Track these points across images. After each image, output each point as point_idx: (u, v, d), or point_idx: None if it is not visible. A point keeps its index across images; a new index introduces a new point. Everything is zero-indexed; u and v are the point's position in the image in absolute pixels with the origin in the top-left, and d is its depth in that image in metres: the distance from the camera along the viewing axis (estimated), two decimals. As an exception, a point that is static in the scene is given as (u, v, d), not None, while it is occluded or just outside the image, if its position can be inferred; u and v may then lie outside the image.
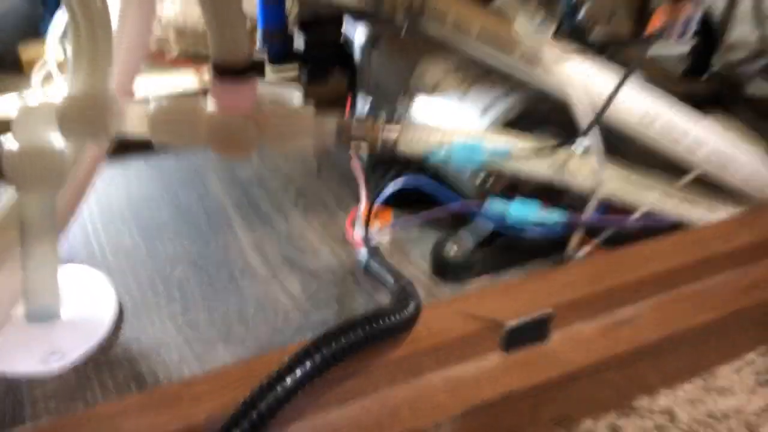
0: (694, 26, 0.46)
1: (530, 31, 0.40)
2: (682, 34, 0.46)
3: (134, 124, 0.46)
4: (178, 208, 0.62)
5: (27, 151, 0.45)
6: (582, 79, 0.44)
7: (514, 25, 0.41)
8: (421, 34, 0.50)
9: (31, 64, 0.80)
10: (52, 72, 0.75)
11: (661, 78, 0.72)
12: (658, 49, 0.85)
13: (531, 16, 0.40)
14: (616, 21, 0.63)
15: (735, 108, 0.68)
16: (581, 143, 0.47)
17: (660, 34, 0.45)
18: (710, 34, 0.69)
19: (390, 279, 0.44)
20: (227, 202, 0.62)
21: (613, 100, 0.43)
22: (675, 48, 0.85)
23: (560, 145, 0.46)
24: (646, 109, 0.43)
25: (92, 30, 0.45)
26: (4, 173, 0.45)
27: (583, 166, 0.48)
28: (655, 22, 0.45)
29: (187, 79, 0.75)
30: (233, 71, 0.44)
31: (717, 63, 0.77)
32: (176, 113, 0.45)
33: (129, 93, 0.53)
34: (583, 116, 0.44)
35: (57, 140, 0.46)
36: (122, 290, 0.53)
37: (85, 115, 0.45)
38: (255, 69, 0.45)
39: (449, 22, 0.46)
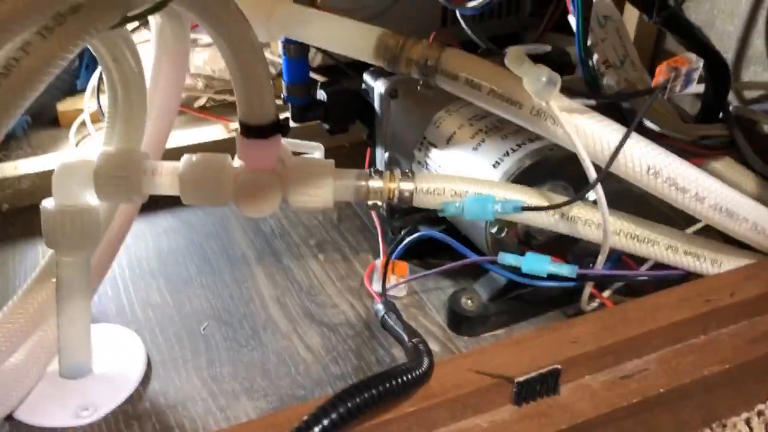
0: (696, 78, 0.48)
1: (538, 89, 0.42)
2: (686, 86, 0.48)
3: (166, 186, 0.49)
4: (204, 261, 0.64)
5: (64, 212, 0.48)
6: (589, 132, 0.46)
7: (523, 84, 0.43)
8: (436, 89, 0.52)
9: (69, 119, 0.84)
10: (89, 127, 0.79)
11: (672, 121, 0.74)
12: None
13: (537, 75, 0.42)
14: (628, 64, 0.65)
15: (749, 150, 0.70)
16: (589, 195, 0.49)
17: (664, 88, 0.47)
18: (722, 75, 0.71)
19: (404, 336, 0.45)
20: (250, 254, 0.65)
21: (618, 154, 0.45)
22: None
23: (569, 202, 0.48)
24: (651, 162, 0.45)
25: (127, 93, 0.48)
26: (43, 233, 0.48)
27: (592, 219, 0.50)
28: (658, 77, 0.47)
29: (215, 129, 0.79)
30: (259, 131, 0.47)
31: (730, 104, 0.78)
32: (204, 172, 0.48)
33: (161, 151, 0.56)
34: (590, 169, 0.46)
35: (93, 200, 0.49)
36: (151, 345, 0.55)
37: (119, 177, 0.48)
38: (280, 128, 0.48)
39: (461, 79, 0.48)
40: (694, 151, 0.70)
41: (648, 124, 0.70)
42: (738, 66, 0.81)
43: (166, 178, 0.48)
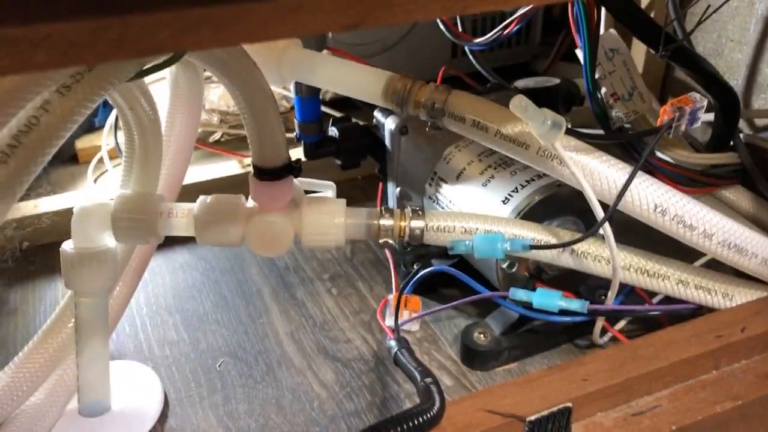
0: (701, 116, 0.48)
1: (543, 132, 0.43)
2: (691, 124, 0.48)
3: (181, 227, 0.50)
4: (219, 297, 0.65)
5: (82, 254, 0.49)
6: (595, 172, 0.47)
7: (528, 127, 0.44)
8: (443, 129, 0.53)
9: (87, 155, 0.86)
10: (107, 164, 0.81)
11: (683, 151, 0.74)
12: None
13: (542, 119, 0.43)
14: (636, 97, 0.66)
15: (760, 178, 0.70)
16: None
17: (669, 127, 0.47)
18: (731, 104, 0.71)
19: (416, 374, 0.46)
20: (265, 290, 0.66)
21: (624, 193, 0.46)
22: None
23: (577, 240, 0.48)
24: (658, 200, 0.46)
25: (143, 138, 0.49)
26: (63, 274, 0.49)
27: (601, 255, 0.50)
28: (663, 116, 0.48)
29: (229, 164, 0.80)
30: (271, 173, 0.48)
31: (741, 132, 0.78)
32: (218, 214, 0.49)
33: (177, 191, 0.58)
34: (597, 209, 0.46)
35: (111, 242, 0.50)
36: (168, 382, 0.56)
37: (136, 220, 0.49)
38: (292, 170, 0.49)
39: (468, 121, 0.49)
40: (705, 181, 0.70)
41: (659, 154, 0.70)
42: (748, 94, 0.82)
43: (181, 220, 0.50)
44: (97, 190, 0.79)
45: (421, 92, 0.49)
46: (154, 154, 0.50)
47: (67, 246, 0.49)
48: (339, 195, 0.80)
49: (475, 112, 0.48)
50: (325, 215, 0.50)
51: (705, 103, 0.47)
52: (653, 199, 0.45)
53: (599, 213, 0.45)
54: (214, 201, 0.49)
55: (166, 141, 0.55)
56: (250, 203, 0.50)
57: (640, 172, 0.45)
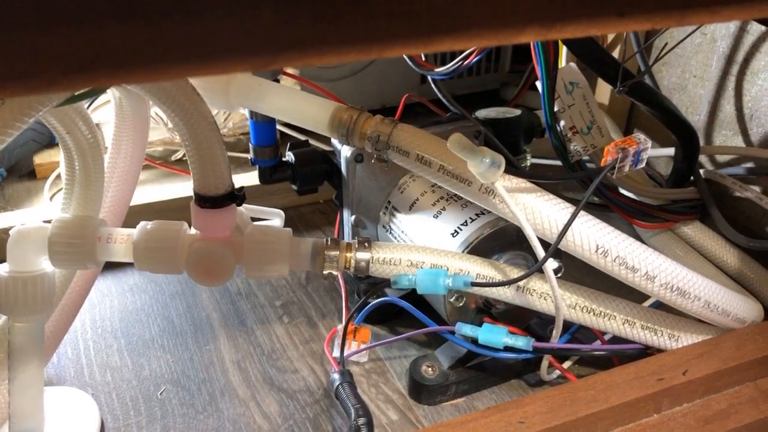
0: (645, 157, 0.48)
1: (482, 171, 0.43)
2: (635, 165, 0.48)
3: (120, 253, 0.49)
4: (167, 321, 0.64)
5: (17, 278, 0.48)
6: (537, 211, 0.46)
7: (468, 166, 0.43)
8: (389, 162, 0.52)
9: (45, 171, 0.85)
10: (63, 178, 0.80)
11: (643, 186, 0.74)
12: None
13: (480, 158, 0.42)
14: (594, 131, 0.66)
15: (718, 214, 0.70)
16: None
17: (612, 168, 0.47)
18: (690, 140, 0.71)
19: (351, 412, 0.45)
20: (214, 316, 0.64)
21: (565, 233, 0.45)
22: (662, 150, 0.87)
23: (518, 279, 0.48)
24: (599, 241, 0.45)
25: (83, 161, 0.48)
26: (-4, 298, 0.48)
27: (547, 293, 0.50)
28: (607, 157, 0.47)
29: (188, 184, 0.79)
30: (213, 201, 0.47)
31: (703, 167, 0.79)
32: (158, 241, 0.48)
33: (122, 215, 0.57)
34: (538, 248, 0.46)
35: (48, 266, 0.49)
36: (106, 409, 0.55)
37: (73, 244, 0.48)
38: (235, 198, 0.48)
39: (412, 155, 0.49)
40: (663, 216, 0.71)
41: (620, 188, 0.70)
42: (710, 130, 0.82)
43: (120, 246, 0.49)
44: (51, 208, 0.78)
45: (366, 124, 0.49)
46: (95, 177, 0.49)
47: (1, 269, 0.48)
48: (299, 218, 0.80)
49: (419, 147, 0.47)
50: (269, 245, 0.49)
51: (649, 144, 0.47)
52: (595, 239, 0.45)
53: (539, 252, 0.45)
54: (154, 227, 0.48)
55: (111, 165, 0.54)
56: (193, 230, 0.49)
57: (583, 212, 0.45)
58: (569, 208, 0.45)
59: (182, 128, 0.44)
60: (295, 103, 0.50)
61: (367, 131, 0.49)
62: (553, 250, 0.44)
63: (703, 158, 0.83)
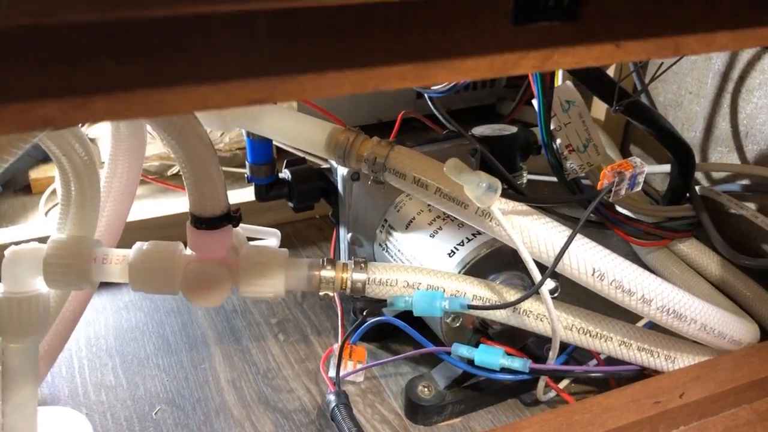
0: (641, 180, 0.48)
1: (478, 195, 0.43)
2: (631, 188, 0.48)
3: (116, 274, 0.49)
4: (162, 339, 0.63)
5: (11, 299, 0.47)
6: (533, 234, 0.46)
7: (464, 190, 0.43)
8: (385, 184, 0.52)
9: (40, 186, 0.85)
10: (59, 196, 0.79)
11: (640, 203, 0.74)
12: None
13: (477, 182, 0.42)
14: (591, 149, 0.66)
15: (713, 231, 0.70)
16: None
17: (609, 191, 0.47)
18: (685, 158, 0.71)
19: (348, 435, 0.45)
20: (210, 334, 0.64)
21: (562, 257, 0.45)
22: (658, 167, 0.87)
23: (516, 302, 0.47)
24: (596, 264, 0.45)
25: (79, 182, 0.48)
26: (-9, 318, 0.48)
27: (544, 314, 0.50)
28: (603, 180, 0.48)
29: (184, 200, 0.79)
30: (209, 222, 0.47)
31: (699, 184, 0.79)
32: (154, 262, 0.48)
33: (118, 235, 0.56)
34: (534, 271, 0.46)
35: (42, 287, 0.49)
36: (100, 429, 0.54)
37: (68, 265, 0.48)
38: (231, 219, 0.48)
39: (409, 177, 0.49)
40: (659, 234, 0.71)
41: (617, 206, 0.70)
42: (705, 146, 0.82)
43: (116, 267, 0.48)
44: (46, 224, 0.78)
45: (363, 146, 0.49)
46: (90, 197, 0.49)
47: (-2, 287, 0.48)
48: (295, 234, 0.80)
49: (415, 170, 0.47)
50: (265, 265, 0.49)
51: (645, 168, 0.47)
52: (591, 263, 0.45)
53: (536, 275, 0.45)
54: (149, 248, 0.48)
55: (107, 185, 0.54)
56: (189, 251, 0.49)
57: (579, 235, 0.45)
58: (566, 231, 0.45)
59: (178, 150, 0.44)
60: (291, 125, 0.50)
61: (363, 153, 0.49)
62: (549, 273, 0.44)
63: (699, 175, 0.83)
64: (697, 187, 0.75)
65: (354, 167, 0.51)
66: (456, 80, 0.27)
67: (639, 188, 0.49)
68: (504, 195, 0.44)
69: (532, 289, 0.45)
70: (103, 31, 0.21)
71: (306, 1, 0.22)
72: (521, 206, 0.46)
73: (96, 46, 0.21)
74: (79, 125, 0.45)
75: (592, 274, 0.45)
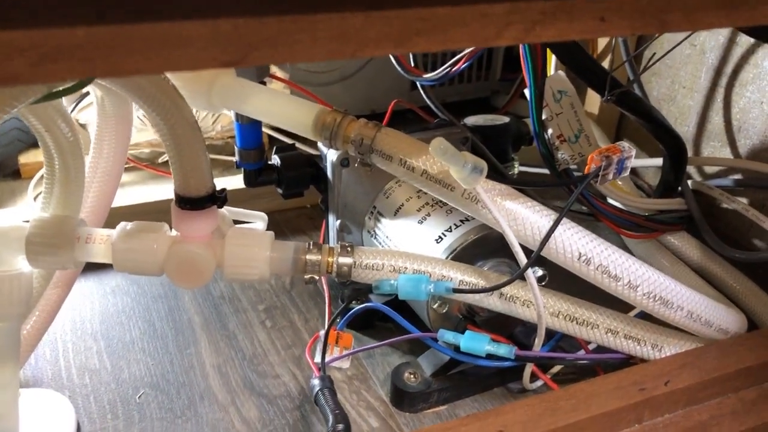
0: (629, 165, 0.48)
1: (464, 176, 0.42)
2: (619, 173, 0.48)
3: (100, 253, 0.48)
4: (148, 324, 0.63)
5: (-8, 277, 0.47)
6: (519, 218, 0.46)
7: (450, 171, 0.43)
8: (372, 167, 0.52)
9: (30, 171, 0.84)
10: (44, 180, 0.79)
11: (630, 196, 0.74)
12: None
13: (462, 163, 0.42)
14: (582, 139, 0.66)
15: (704, 225, 0.70)
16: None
17: (596, 176, 0.47)
18: (677, 151, 0.71)
19: (330, 418, 0.44)
20: (196, 320, 0.64)
21: (547, 241, 0.45)
22: (650, 160, 0.87)
23: (501, 285, 0.47)
24: (582, 249, 0.45)
25: (63, 160, 0.48)
26: (-27, 298, 0.47)
27: (530, 300, 0.49)
28: (590, 164, 0.47)
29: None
30: (194, 202, 0.47)
31: (691, 178, 0.79)
32: (137, 242, 0.48)
33: (104, 215, 0.56)
34: (520, 254, 0.45)
35: (26, 266, 0.48)
36: (83, 412, 0.54)
37: (51, 244, 0.47)
38: (216, 200, 0.48)
39: (395, 159, 0.48)
40: (650, 226, 0.70)
41: (608, 198, 0.70)
42: (698, 140, 0.82)
43: (100, 246, 0.48)
44: (34, 208, 0.77)
45: (350, 128, 0.48)
46: (75, 176, 0.48)
47: (-21, 265, 0.47)
48: (285, 223, 0.79)
49: (402, 151, 0.47)
50: (250, 247, 0.48)
51: (633, 152, 0.47)
52: (578, 248, 0.44)
53: (522, 259, 0.45)
54: (133, 228, 0.48)
55: (94, 164, 0.53)
56: (174, 232, 0.49)
57: (566, 220, 0.44)
58: (552, 215, 0.45)
59: (163, 128, 0.43)
60: (278, 105, 0.50)
61: (350, 134, 0.48)
62: (536, 256, 0.44)
63: (691, 169, 0.83)
64: (689, 181, 0.75)
65: (341, 149, 0.50)
66: (436, 50, 0.27)
67: (627, 173, 0.49)
68: (491, 179, 0.44)
69: (517, 273, 0.45)
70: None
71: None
72: (508, 189, 0.46)
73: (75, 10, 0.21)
74: (66, 104, 0.45)
75: (578, 259, 0.44)
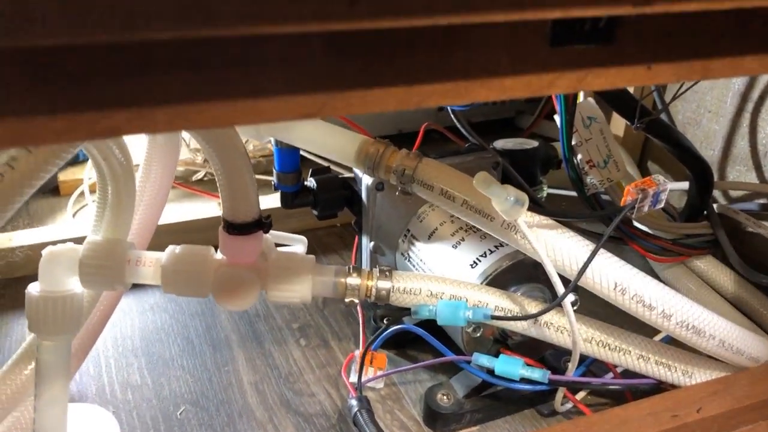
0: (664, 198, 0.49)
1: (506, 208, 0.44)
2: (654, 205, 0.49)
3: (149, 275, 0.50)
4: (187, 341, 0.65)
5: (47, 298, 0.49)
6: (558, 248, 0.47)
7: (492, 203, 0.44)
8: (413, 195, 0.53)
9: (69, 188, 0.86)
10: (87, 197, 0.81)
11: (657, 220, 0.75)
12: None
13: (505, 196, 0.43)
14: (611, 165, 0.67)
15: (730, 249, 0.71)
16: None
17: (632, 208, 0.48)
18: (704, 176, 0.72)
19: (372, 439, 0.46)
20: (233, 337, 0.66)
21: (585, 271, 0.46)
22: (676, 184, 0.88)
23: (539, 314, 0.49)
24: (618, 279, 0.46)
25: (116, 186, 0.50)
26: (27, 317, 0.49)
27: (564, 326, 0.51)
28: (627, 197, 0.49)
29: (208, 206, 0.81)
30: (241, 228, 0.48)
31: (716, 202, 0.80)
32: (186, 265, 0.49)
33: (149, 238, 0.58)
34: (558, 284, 0.47)
35: (77, 286, 0.50)
36: (127, 428, 0.56)
37: (103, 266, 0.49)
38: (262, 225, 0.50)
39: (436, 189, 0.50)
40: (677, 250, 0.71)
41: (635, 222, 0.71)
42: (723, 165, 0.83)
43: (149, 269, 0.50)
44: (74, 225, 0.79)
45: (392, 158, 0.50)
46: (126, 202, 0.50)
47: (32, 289, 0.49)
48: (315, 241, 0.81)
49: (443, 182, 0.48)
50: (293, 271, 0.50)
51: (668, 186, 0.48)
52: (614, 277, 0.46)
53: (560, 288, 0.46)
54: (182, 251, 0.50)
55: (141, 188, 0.55)
56: (220, 255, 0.50)
57: (602, 250, 0.46)
58: (589, 246, 0.46)
59: (214, 157, 0.45)
60: (322, 136, 0.51)
61: (392, 165, 0.50)
62: (573, 287, 0.46)
63: (717, 193, 0.84)
64: (714, 205, 0.76)
65: (383, 178, 0.52)
66: (495, 98, 0.28)
67: (661, 205, 0.50)
68: (529, 209, 0.46)
69: (555, 302, 0.46)
70: (170, 47, 0.23)
71: (358, 23, 0.23)
72: (546, 220, 0.47)
73: (162, 60, 0.23)
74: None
75: (614, 288, 0.46)
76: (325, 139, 0.52)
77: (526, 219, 0.46)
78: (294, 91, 0.25)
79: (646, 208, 0.47)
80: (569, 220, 0.52)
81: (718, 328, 0.47)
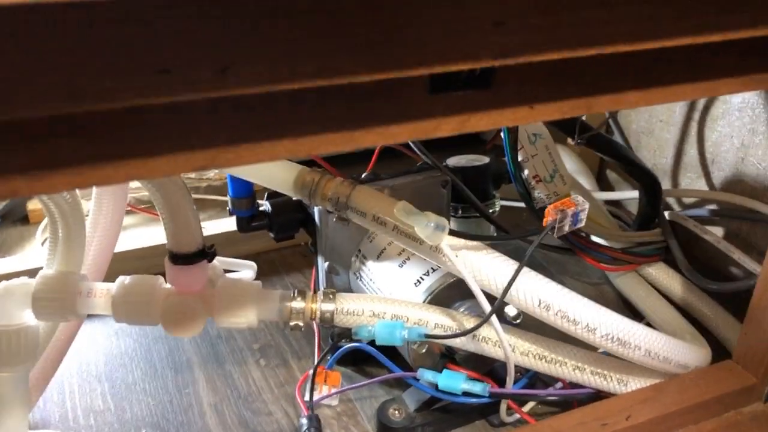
0: (584, 217, 0.52)
1: (428, 234, 0.46)
2: (575, 225, 0.51)
3: (100, 306, 0.52)
4: (149, 365, 0.67)
5: (2, 331, 0.51)
6: (483, 269, 0.49)
7: (415, 230, 0.46)
8: (349, 221, 0.56)
9: (38, 217, 0.88)
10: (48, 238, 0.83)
11: (608, 229, 0.77)
12: (612, 194, 0.92)
13: (426, 223, 0.45)
14: (557, 179, 0.69)
15: (680, 255, 0.73)
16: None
17: (552, 228, 0.50)
18: (651, 186, 0.74)
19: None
20: (194, 360, 0.68)
21: (509, 289, 0.48)
22: (632, 192, 0.90)
23: (469, 331, 0.51)
24: (541, 296, 0.48)
25: (65, 221, 0.52)
26: (-17, 351, 0.51)
27: (499, 342, 0.53)
28: (547, 218, 0.51)
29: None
30: (185, 258, 0.50)
31: (670, 209, 0.82)
32: (135, 295, 0.52)
33: (104, 268, 0.60)
34: (484, 304, 0.49)
35: (31, 319, 0.52)
36: (87, 453, 0.58)
37: (56, 299, 0.51)
38: (206, 255, 0.52)
39: (369, 215, 0.52)
40: (627, 259, 0.74)
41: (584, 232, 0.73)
42: (676, 172, 0.85)
43: (100, 300, 0.52)
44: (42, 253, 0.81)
45: (327, 186, 0.52)
46: (75, 235, 0.52)
47: (-9, 321, 0.51)
48: (280, 261, 0.83)
49: (374, 209, 0.50)
50: (239, 297, 0.52)
51: (587, 206, 0.50)
52: (537, 295, 0.48)
53: (485, 306, 0.48)
54: (131, 282, 0.52)
55: (94, 221, 0.57)
56: (168, 284, 0.52)
57: (526, 269, 0.48)
58: (514, 265, 0.48)
59: (155, 192, 0.47)
60: (263, 166, 0.54)
61: (328, 193, 0.52)
62: (498, 304, 0.48)
63: (671, 200, 0.86)
64: (667, 212, 0.78)
65: (320, 205, 0.54)
66: (383, 144, 0.30)
67: (582, 224, 0.52)
68: (454, 234, 0.48)
69: (482, 320, 0.48)
70: (65, 119, 0.25)
71: (243, 89, 0.25)
72: (471, 243, 0.49)
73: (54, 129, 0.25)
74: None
75: (539, 305, 0.48)
76: (266, 170, 0.54)
77: (451, 242, 0.48)
78: (184, 148, 0.27)
79: (566, 228, 0.49)
80: (494, 242, 0.54)
81: (643, 339, 0.49)
